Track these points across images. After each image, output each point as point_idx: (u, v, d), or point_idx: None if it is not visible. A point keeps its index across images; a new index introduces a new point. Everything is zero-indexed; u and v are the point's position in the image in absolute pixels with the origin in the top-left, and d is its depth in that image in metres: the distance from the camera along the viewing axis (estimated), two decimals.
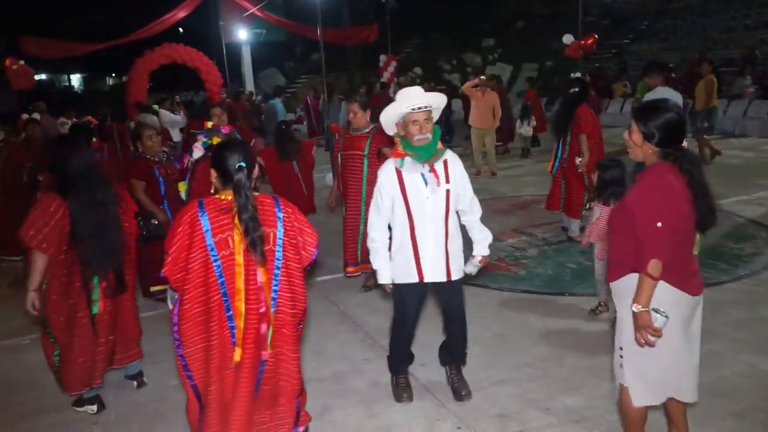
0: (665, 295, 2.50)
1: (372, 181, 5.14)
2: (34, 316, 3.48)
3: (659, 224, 2.40)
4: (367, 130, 5.17)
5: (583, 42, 11.64)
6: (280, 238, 2.61)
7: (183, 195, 4.78)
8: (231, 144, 2.69)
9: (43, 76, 32.18)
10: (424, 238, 3.28)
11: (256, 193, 2.61)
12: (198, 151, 4.55)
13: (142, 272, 4.88)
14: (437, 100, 3.28)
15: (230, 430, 2.63)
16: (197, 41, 17.27)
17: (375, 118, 5.46)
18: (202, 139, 4.44)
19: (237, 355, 2.58)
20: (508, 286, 5.38)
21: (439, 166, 3.26)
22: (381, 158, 5.13)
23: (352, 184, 5.26)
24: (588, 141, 6.25)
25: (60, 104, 14.16)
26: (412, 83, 22.43)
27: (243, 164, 2.52)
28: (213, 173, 2.61)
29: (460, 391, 3.56)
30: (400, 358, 3.64)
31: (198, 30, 21.97)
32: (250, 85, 19.39)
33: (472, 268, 3.48)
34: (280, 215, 2.63)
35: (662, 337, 2.50)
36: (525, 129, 11.94)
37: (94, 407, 3.78)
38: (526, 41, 24.71)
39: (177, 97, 17.21)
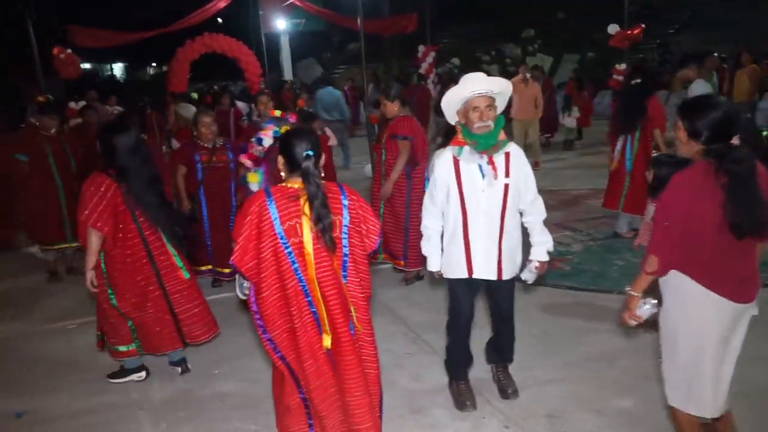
0: (701, 297, 2.41)
1: (390, 167, 5.13)
2: (94, 292, 3.65)
3: (666, 223, 2.41)
4: (392, 120, 5.17)
5: (629, 32, 11.27)
6: (345, 226, 2.61)
7: (254, 186, 4.68)
8: (299, 132, 2.68)
9: (87, 66, 32.89)
10: (476, 232, 3.15)
11: (323, 182, 2.61)
12: (268, 139, 4.49)
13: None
14: (501, 86, 3.11)
15: (351, 411, 2.66)
16: (236, 31, 17.38)
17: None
18: (272, 127, 4.37)
19: (326, 341, 2.59)
20: (553, 281, 5.24)
21: (499, 159, 3.10)
22: (388, 137, 5.08)
23: (376, 173, 5.38)
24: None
25: (103, 93, 14.44)
26: (450, 74, 22.18)
27: (311, 152, 2.53)
28: (281, 160, 2.62)
29: (506, 389, 3.48)
30: (458, 361, 3.49)
31: (237, 20, 22.12)
32: (288, 76, 19.44)
33: (528, 275, 3.30)
34: (346, 203, 2.63)
35: (691, 340, 2.44)
36: (568, 120, 11.65)
37: (142, 374, 3.94)
38: (567, 32, 24.15)
39: (215, 86, 17.42)
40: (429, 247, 3.32)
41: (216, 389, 3.79)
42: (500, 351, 3.55)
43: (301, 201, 2.53)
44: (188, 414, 3.56)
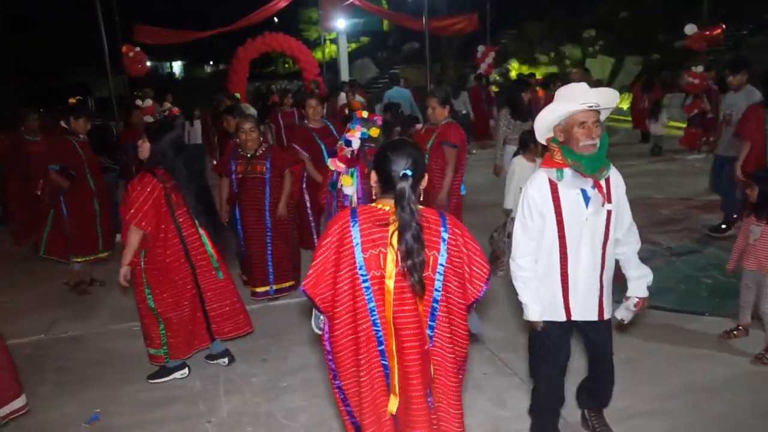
0: None
1: (432, 172, 4.87)
2: (124, 286, 3.74)
3: None
4: (441, 124, 5.03)
5: (708, 33, 10.65)
6: (441, 264, 2.14)
7: (348, 190, 4.40)
8: (399, 145, 2.20)
9: (149, 63, 33.86)
10: (577, 267, 2.72)
11: (420, 207, 2.14)
12: (356, 141, 4.31)
13: None
14: (608, 99, 2.66)
15: None
16: (292, 31, 17.42)
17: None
18: (360, 128, 4.20)
19: (392, 404, 2.14)
20: None
21: (602, 182, 2.68)
22: (435, 142, 4.92)
23: None
24: None
25: (160, 90, 14.70)
26: (506, 76, 21.68)
27: (409, 172, 2.08)
28: (374, 177, 2.21)
29: None
30: (548, 411, 3.03)
31: (291, 19, 22.19)
32: (345, 75, 19.34)
33: (626, 313, 2.89)
34: (445, 236, 2.16)
35: None
36: (654, 127, 11.01)
37: (185, 371, 3.95)
38: (631, 33, 23.28)
39: (273, 86, 17.49)
40: (527, 294, 2.79)
41: (284, 404, 3.63)
42: (598, 397, 3.10)
43: (390, 228, 2.11)
44: (255, 429, 3.40)
